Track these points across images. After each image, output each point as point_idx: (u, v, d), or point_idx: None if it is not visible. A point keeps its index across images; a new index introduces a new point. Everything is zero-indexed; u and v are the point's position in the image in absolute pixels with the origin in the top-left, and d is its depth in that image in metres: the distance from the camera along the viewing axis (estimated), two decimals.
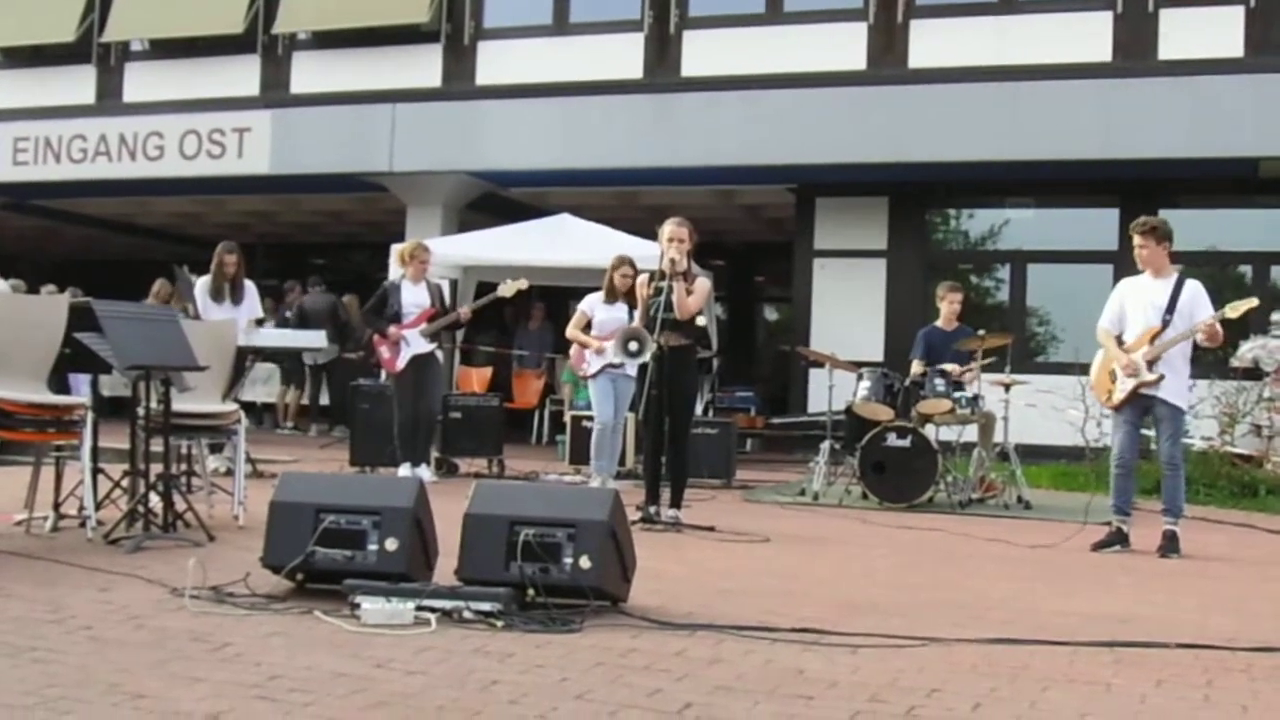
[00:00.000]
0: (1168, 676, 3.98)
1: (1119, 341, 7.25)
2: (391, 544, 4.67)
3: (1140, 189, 12.96)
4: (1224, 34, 12.45)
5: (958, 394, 9.32)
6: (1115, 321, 7.32)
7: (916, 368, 9.65)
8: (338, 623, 4.27)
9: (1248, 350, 11.60)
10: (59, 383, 6.29)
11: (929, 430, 9.39)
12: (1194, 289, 7.14)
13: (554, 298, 16.31)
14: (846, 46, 13.50)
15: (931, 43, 13.28)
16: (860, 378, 9.67)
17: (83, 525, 6.10)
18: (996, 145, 12.72)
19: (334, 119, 14.86)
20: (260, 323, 10.79)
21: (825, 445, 9.81)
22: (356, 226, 19.36)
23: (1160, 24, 12.65)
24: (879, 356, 12.96)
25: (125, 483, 6.43)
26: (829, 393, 9.89)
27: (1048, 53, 12.79)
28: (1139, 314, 7.20)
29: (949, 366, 9.46)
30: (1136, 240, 7.23)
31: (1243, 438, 11.28)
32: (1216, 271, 13.39)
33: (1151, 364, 7.07)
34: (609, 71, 14.13)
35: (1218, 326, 6.99)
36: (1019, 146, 12.65)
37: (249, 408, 12.16)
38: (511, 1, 14.98)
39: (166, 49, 16.03)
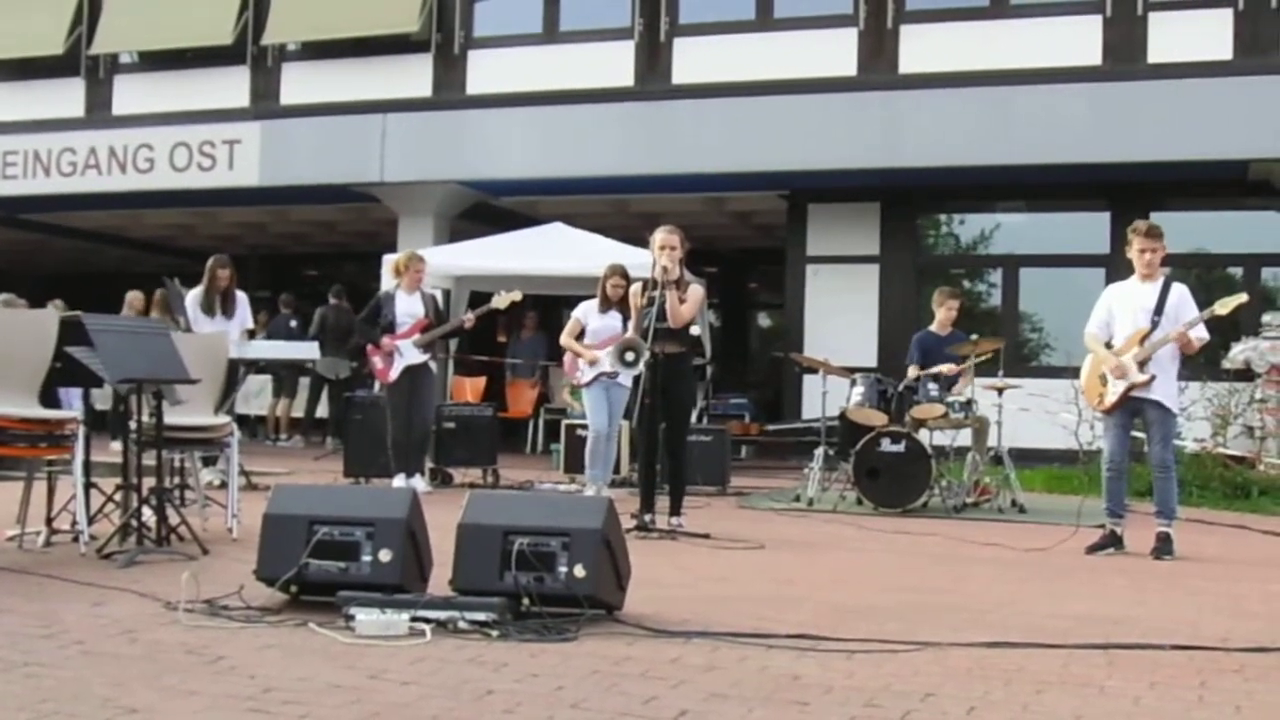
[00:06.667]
0: (1162, 678, 3.99)
1: (1107, 346, 7.27)
2: (385, 555, 4.66)
3: (1131, 192, 12.99)
4: (1213, 37, 12.48)
5: (951, 398, 9.33)
6: (1103, 326, 7.36)
7: (913, 372, 9.65)
8: (332, 634, 4.26)
9: (1239, 352, 11.64)
10: (48, 397, 6.26)
11: (923, 435, 9.40)
12: (1181, 291, 7.19)
13: (546, 306, 16.32)
14: (837, 52, 13.53)
15: (921, 48, 13.31)
16: (854, 383, 9.68)
17: (75, 540, 6.08)
18: (987, 149, 12.75)
19: (324, 130, 14.84)
20: (252, 334, 10.77)
21: (819, 451, 9.82)
22: (348, 237, 19.36)
23: (1149, 27, 12.68)
24: (872, 362, 12.95)
25: (118, 497, 6.41)
26: (823, 399, 9.90)
27: (1037, 57, 12.82)
28: (1127, 317, 7.23)
29: (943, 367, 9.46)
30: (1146, 244, 7.14)
31: (1235, 439, 11.33)
32: (1206, 273, 13.44)
33: (1142, 365, 7.09)
34: (600, 80, 14.15)
35: (1200, 332, 7.01)
36: (1009, 150, 12.68)
37: (242, 420, 12.13)
38: (501, 10, 15.00)
39: (155, 61, 16.03)
